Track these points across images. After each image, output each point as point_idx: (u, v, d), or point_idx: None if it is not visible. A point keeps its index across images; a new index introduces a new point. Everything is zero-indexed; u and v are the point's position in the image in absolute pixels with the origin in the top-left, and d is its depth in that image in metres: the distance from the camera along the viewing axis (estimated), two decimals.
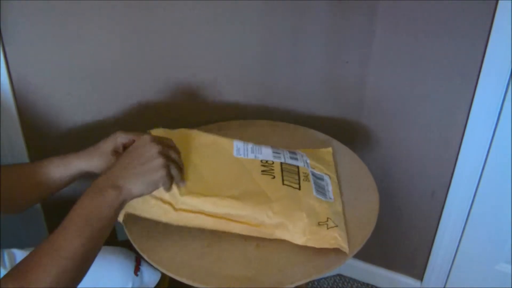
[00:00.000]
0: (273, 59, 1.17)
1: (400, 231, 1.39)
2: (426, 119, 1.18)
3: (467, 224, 1.27)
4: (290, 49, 1.16)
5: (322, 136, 1.11)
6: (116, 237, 1.01)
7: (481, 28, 1.01)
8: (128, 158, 0.72)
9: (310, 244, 0.78)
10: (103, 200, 0.66)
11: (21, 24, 0.91)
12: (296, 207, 0.80)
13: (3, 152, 1.01)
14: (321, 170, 0.93)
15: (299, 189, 0.83)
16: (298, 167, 0.88)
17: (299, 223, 0.78)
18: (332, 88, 1.22)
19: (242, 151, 0.88)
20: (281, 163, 0.87)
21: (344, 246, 0.77)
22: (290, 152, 0.93)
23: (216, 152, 0.87)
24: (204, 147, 0.87)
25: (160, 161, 0.71)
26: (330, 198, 0.86)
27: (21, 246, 0.88)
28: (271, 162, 0.87)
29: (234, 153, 0.88)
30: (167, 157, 0.73)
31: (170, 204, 0.76)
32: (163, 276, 0.97)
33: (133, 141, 0.77)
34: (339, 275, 1.57)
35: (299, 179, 0.85)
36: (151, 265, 0.78)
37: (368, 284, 1.54)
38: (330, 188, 0.89)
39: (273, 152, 0.90)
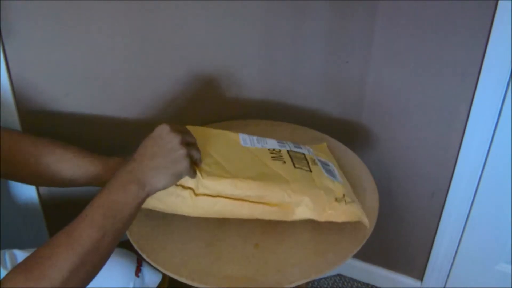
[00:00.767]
0: (273, 59, 1.17)
1: (400, 231, 1.39)
2: (426, 119, 1.18)
3: (467, 224, 1.27)
4: (290, 49, 1.16)
5: (322, 136, 1.11)
6: None
7: (481, 28, 1.01)
8: (150, 150, 0.69)
9: (331, 219, 0.80)
10: (125, 196, 0.65)
11: (21, 24, 0.91)
12: (312, 185, 0.81)
13: None
14: (325, 158, 0.94)
15: (311, 171, 0.85)
16: (304, 154, 0.90)
17: (319, 200, 0.79)
18: (332, 88, 1.22)
19: (249, 141, 0.89)
20: (288, 151, 0.89)
21: (365, 219, 0.81)
22: (294, 143, 0.94)
23: (226, 142, 0.88)
24: (214, 137, 0.87)
25: (183, 152, 0.69)
26: (340, 181, 0.87)
27: (21, 247, 0.88)
28: (279, 150, 0.88)
29: (242, 143, 0.89)
30: (187, 146, 0.71)
31: (191, 189, 0.76)
32: (163, 276, 0.97)
33: None
34: (339, 275, 1.57)
35: (308, 163, 0.87)
36: (152, 266, 0.78)
37: (368, 284, 1.54)
38: (336, 173, 0.90)
39: (278, 142, 0.92)
